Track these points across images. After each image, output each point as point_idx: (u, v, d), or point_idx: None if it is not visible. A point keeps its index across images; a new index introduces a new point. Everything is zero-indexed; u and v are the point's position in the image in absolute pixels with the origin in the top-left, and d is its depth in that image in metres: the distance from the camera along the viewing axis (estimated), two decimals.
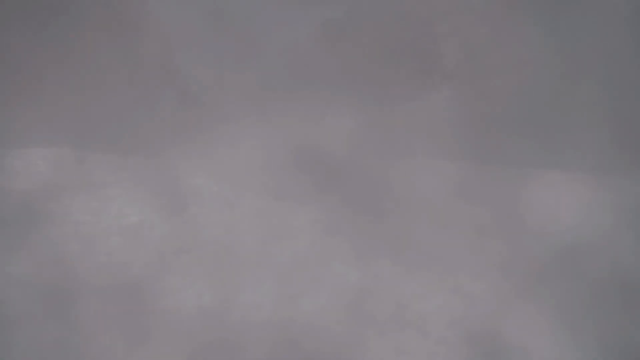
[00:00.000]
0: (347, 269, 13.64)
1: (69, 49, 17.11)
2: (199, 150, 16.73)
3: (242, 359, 12.21)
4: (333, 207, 15.10)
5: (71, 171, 15.87)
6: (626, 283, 13.59)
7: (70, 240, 13.92)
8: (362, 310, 12.89)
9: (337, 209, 15.04)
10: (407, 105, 18.24)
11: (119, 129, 16.97)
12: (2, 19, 17.01)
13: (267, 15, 17.94)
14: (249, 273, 13.37)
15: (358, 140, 17.22)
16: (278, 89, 17.75)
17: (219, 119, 17.58)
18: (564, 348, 12.50)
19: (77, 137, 16.99)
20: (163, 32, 17.40)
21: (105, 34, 17.12)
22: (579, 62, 18.25)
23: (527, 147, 17.77)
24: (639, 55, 18.11)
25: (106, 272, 13.37)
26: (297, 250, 13.91)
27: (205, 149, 16.86)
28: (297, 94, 18.00)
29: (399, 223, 14.81)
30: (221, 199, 15.20)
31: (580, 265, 13.96)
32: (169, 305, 12.92)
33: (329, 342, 12.35)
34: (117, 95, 16.92)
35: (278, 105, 17.88)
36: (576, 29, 18.36)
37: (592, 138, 17.57)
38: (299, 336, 12.48)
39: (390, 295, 13.12)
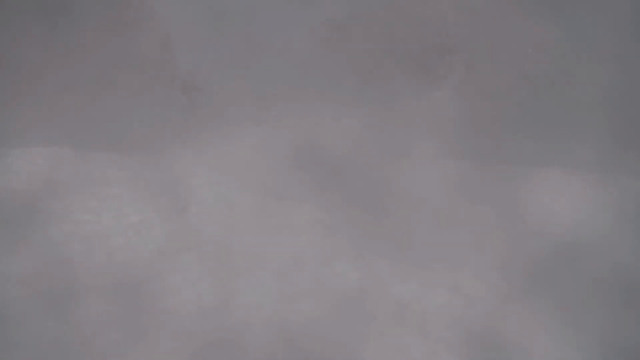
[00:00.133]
0: (347, 268, 13.64)
1: (69, 49, 17.11)
2: (199, 149, 16.73)
3: (243, 358, 12.21)
4: (333, 206, 15.09)
5: (71, 170, 15.87)
6: (627, 282, 13.60)
7: (70, 240, 13.92)
8: (362, 310, 12.89)
9: (338, 209, 15.04)
10: (408, 105, 18.22)
11: (119, 129, 16.96)
12: (3, 20, 17.01)
13: (267, 14, 17.94)
14: (249, 273, 13.36)
15: (358, 139, 17.21)
16: (278, 88, 17.74)
17: (220, 118, 17.56)
18: (565, 347, 12.50)
19: (78, 137, 16.98)
20: (163, 31, 17.40)
21: (105, 34, 17.11)
22: (580, 60, 18.24)
23: (528, 145, 17.75)
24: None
25: (106, 271, 13.38)
26: (298, 249, 13.91)
27: (206, 148, 16.85)
28: (298, 93, 17.98)
29: (399, 222, 14.81)
30: (221, 198, 15.20)
31: (581, 264, 13.96)
32: (169, 305, 12.93)
33: (329, 342, 12.35)
34: (118, 95, 16.91)
35: (278, 104, 17.87)
36: (577, 28, 18.36)
37: (593, 136, 17.56)
38: (299, 336, 12.49)
39: (390, 295, 13.12)
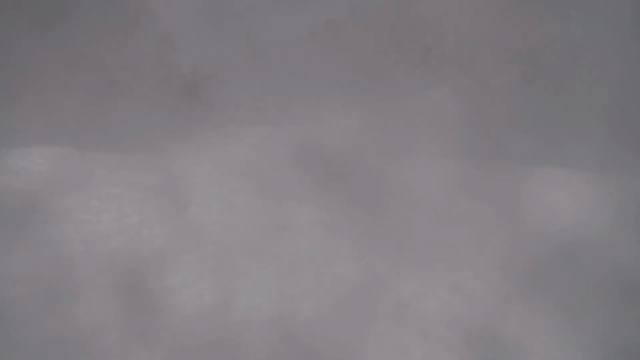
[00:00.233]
0: (348, 268, 13.63)
1: (70, 50, 17.10)
2: (199, 149, 16.72)
3: (243, 358, 12.20)
4: (334, 206, 15.08)
5: (72, 170, 15.85)
6: (627, 282, 13.58)
7: (71, 240, 13.91)
8: (362, 310, 12.88)
9: (338, 209, 15.03)
10: (408, 104, 18.22)
11: (119, 129, 16.97)
12: (3, 21, 17.00)
13: (267, 14, 17.92)
14: (250, 273, 13.36)
15: (359, 139, 17.20)
16: (279, 88, 17.73)
17: (220, 118, 17.55)
18: (565, 347, 12.49)
19: (78, 137, 16.98)
20: (164, 32, 17.38)
21: (106, 35, 17.09)
22: (580, 60, 18.23)
23: (529, 145, 17.74)
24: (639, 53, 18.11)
25: (107, 271, 13.37)
26: (298, 250, 13.90)
27: (206, 148, 16.84)
28: (298, 92, 17.98)
29: (400, 222, 14.80)
30: (222, 198, 15.18)
31: (581, 264, 13.94)
32: (170, 304, 12.92)
33: (329, 342, 12.34)
34: (118, 96, 16.91)
35: (279, 104, 17.86)
36: (577, 28, 18.34)
37: (593, 136, 17.55)
38: (299, 336, 12.47)
39: (390, 295, 13.11)
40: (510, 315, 12.94)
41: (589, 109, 17.79)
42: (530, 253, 14.09)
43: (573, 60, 18.14)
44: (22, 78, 16.95)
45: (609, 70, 17.96)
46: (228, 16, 17.80)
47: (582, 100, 17.90)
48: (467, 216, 15.12)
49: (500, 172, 16.91)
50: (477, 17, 18.34)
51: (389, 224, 14.69)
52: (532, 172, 17.17)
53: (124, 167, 16.04)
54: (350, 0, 18.43)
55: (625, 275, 13.59)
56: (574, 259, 14.07)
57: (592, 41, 18.10)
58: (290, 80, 17.84)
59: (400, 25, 18.27)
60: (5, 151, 16.18)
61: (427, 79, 18.10)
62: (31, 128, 16.81)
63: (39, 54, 16.99)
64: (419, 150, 17.17)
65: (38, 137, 16.83)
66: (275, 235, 14.33)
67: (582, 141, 17.44)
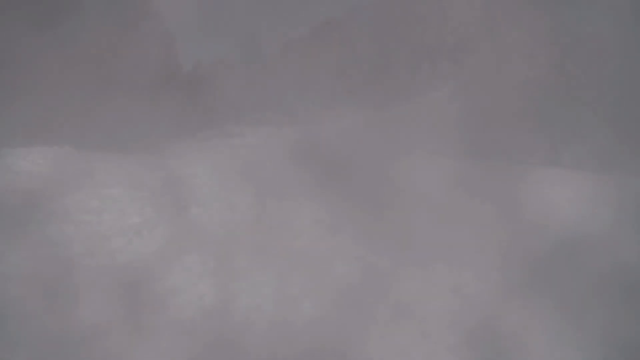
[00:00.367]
0: (348, 269, 13.65)
1: (71, 51, 17.10)
2: (200, 149, 16.74)
3: (244, 359, 12.22)
4: (334, 206, 15.09)
5: (73, 171, 15.86)
6: (629, 282, 13.59)
7: (71, 241, 13.91)
8: (363, 311, 12.90)
9: (338, 209, 15.04)
10: (408, 103, 18.23)
11: (120, 129, 16.98)
12: (4, 22, 17.00)
13: (268, 15, 17.92)
14: (250, 274, 13.37)
15: (359, 139, 17.21)
16: (279, 88, 17.73)
17: (221, 118, 17.58)
18: (565, 348, 12.50)
19: (79, 137, 17.00)
20: (165, 32, 17.37)
21: (107, 35, 17.09)
22: (580, 60, 18.23)
23: (529, 144, 17.76)
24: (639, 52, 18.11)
25: (108, 272, 13.37)
26: (299, 251, 13.92)
27: (207, 147, 16.86)
28: (298, 93, 17.98)
29: (400, 222, 14.81)
30: (222, 199, 15.20)
31: (583, 264, 13.95)
32: (171, 305, 12.93)
33: (330, 343, 12.36)
34: (119, 96, 16.91)
35: (279, 104, 17.86)
36: (578, 27, 18.34)
37: (594, 134, 17.56)
38: (299, 336, 12.49)
39: (391, 296, 13.12)
40: (511, 315, 12.95)
41: (590, 109, 17.80)
42: (531, 254, 14.10)
43: (573, 59, 18.14)
44: (23, 78, 16.95)
45: (610, 69, 17.97)
46: (229, 16, 17.80)
47: (583, 99, 17.91)
48: (468, 216, 15.13)
49: (500, 171, 16.92)
50: (477, 17, 18.34)
51: (389, 224, 14.70)
52: (533, 171, 17.19)
53: (125, 167, 16.05)
54: (352, 1, 18.45)
55: (627, 276, 13.60)
56: (576, 259, 14.08)
57: (593, 41, 18.10)
58: (291, 80, 17.85)
59: (401, 26, 18.27)
60: (6, 151, 16.19)
61: (427, 80, 18.11)
62: (31, 128, 16.82)
63: (40, 53, 16.98)
64: (420, 150, 17.18)
65: (38, 137, 16.83)
66: (275, 236, 14.34)
67: (583, 140, 17.45)
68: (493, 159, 17.42)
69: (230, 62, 17.84)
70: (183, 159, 16.45)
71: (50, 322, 12.61)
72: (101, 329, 12.55)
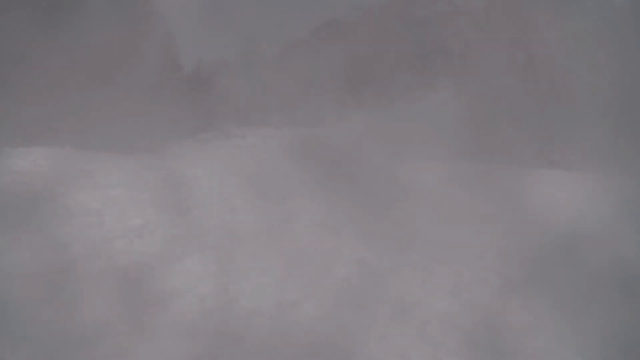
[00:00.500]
0: (349, 271, 13.67)
1: (72, 49, 17.10)
2: (201, 150, 16.74)
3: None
4: (335, 208, 15.11)
5: (73, 171, 15.87)
6: (628, 279, 13.62)
7: (72, 243, 13.93)
8: (363, 314, 12.93)
9: (339, 211, 15.06)
10: (409, 104, 18.24)
11: (121, 129, 16.98)
12: (5, 22, 17.00)
13: (269, 15, 17.92)
14: (251, 276, 13.40)
15: (360, 139, 17.23)
16: (280, 88, 17.74)
17: (221, 119, 17.59)
18: (568, 352, 12.53)
19: (80, 137, 16.99)
20: (166, 31, 17.38)
21: (108, 33, 17.09)
22: (580, 59, 18.25)
23: (529, 144, 17.79)
24: (639, 51, 18.13)
25: (109, 274, 13.40)
26: (299, 253, 13.94)
27: (208, 149, 16.87)
28: (299, 93, 17.99)
29: (401, 224, 14.83)
30: (223, 200, 15.22)
31: (582, 264, 13.98)
32: (172, 307, 12.95)
33: (330, 346, 12.39)
34: (121, 96, 16.91)
35: (280, 104, 17.88)
36: (577, 28, 18.36)
37: (594, 134, 17.59)
38: (300, 337, 12.52)
39: (391, 298, 13.15)
40: (513, 319, 12.98)
41: (590, 108, 17.82)
42: (533, 257, 14.13)
43: (573, 60, 18.16)
44: (23, 78, 16.96)
45: (610, 69, 18.00)
46: (230, 17, 17.80)
47: (583, 99, 17.93)
48: (468, 218, 15.16)
49: (500, 172, 16.94)
50: (477, 18, 18.35)
51: (390, 226, 14.73)
52: (534, 172, 17.22)
53: (126, 168, 16.06)
54: (351, 0, 18.43)
55: (627, 278, 13.63)
56: (576, 259, 14.11)
57: (592, 41, 18.12)
58: (291, 81, 17.86)
59: (400, 27, 18.28)
60: (6, 151, 16.19)
61: (428, 80, 18.12)
62: (32, 128, 16.83)
63: (40, 53, 16.99)
64: (420, 150, 17.19)
65: (39, 137, 16.84)
66: (276, 237, 14.36)
67: (583, 139, 17.48)
68: (493, 159, 17.44)
69: (231, 63, 17.84)
70: (184, 160, 16.46)
71: (51, 323, 12.64)
72: (102, 330, 12.58)
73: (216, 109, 17.77)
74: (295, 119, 18.19)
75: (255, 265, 13.58)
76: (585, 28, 18.31)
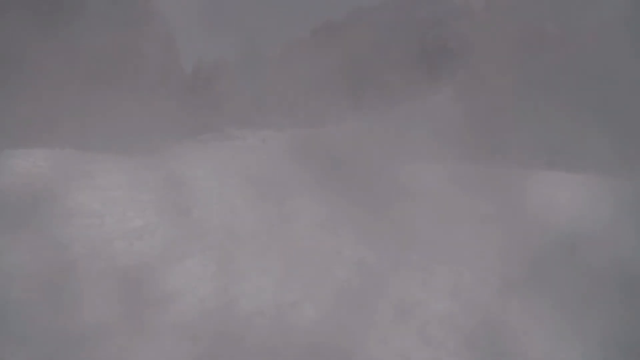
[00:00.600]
0: (349, 271, 13.65)
1: (72, 52, 17.11)
2: (201, 151, 16.75)
3: None
4: (335, 209, 15.11)
5: (74, 172, 15.87)
6: (627, 279, 13.59)
7: (74, 243, 13.91)
8: (363, 314, 12.91)
9: (340, 211, 15.05)
10: (409, 105, 18.24)
11: (121, 130, 16.98)
12: (5, 22, 17.00)
13: (269, 16, 17.91)
14: (252, 278, 13.38)
15: (360, 140, 17.23)
16: (280, 89, 17.73)
17: (222, 121, 17.59)
18: (567, 352, 12.51)
19: (80, 138, 17.00)
20: (166, 33, 17.36)
21: (109, 35, 17.08)
22: (581, 59, 18.24)
23: (530, 145, 17.78)
24: (639, 54, 18.12)
25: (109, 275, 13.38)
26: (299, 254, 13.93)
27: (208, 150, 16.88)
28: (299, 94, 17.98)
29: (401, 224, 14.81)
30: (224, 201, 15.22)
31: (582, 264, 13.96)
32: (172, 309, 12.93)
33: (331, 347, 12.38)
34: (121, 96, 16.91)
35: (280, 105, 17.87)
36: (578, 28, 18.34)
37: (594, 134, 17.58)
38: (300, 337, 12.50)
39: (392, 300, 13.13)
40: (513, 319, 12.96)
41: (590, 108, 17.81)
42: (533, 257, 14.11)
43: (574, 59, 18.15)
44: (24, 79, 16.95)
45: (609, 69, 17.99)
46: (230, 18, 17.80)
47: (583, 99, 17.92)
48: (468, 217, 15.15)
49: (501, 172, 16.94)
50: (477, 19, 18.35)
51: (390, 227, 14.71)
52: (533, 172, 17.21)
53: (126, 169, 16.07)
54: (351, 1, 18.44)
55: (627, 278, 13.61)
56: (576, 259, 14.09)
57: (594, 43, 18.11)
58: (292, 81, 17.85)
59: (401, 27, 18.28)
60: (7, 152, 16.19)
61: (428, 80, 18.12)
62: (33, 129, 16.82)
63: (41, 54, 16.98)
64: (420, 151, 17.19)
65: (40, 138, 16.83)
66: (276, 237, 14.35)
67: (582, 140, 17.47)
68: (493, 160, 17.44)
69: (231, 63, 17.84)
70: (184, 160, 16.46)
71: (52, 324, 12.62)
72: (102, 330, 12.56)
73: (217, 111, 17.76)
74: (295, 120, 18.19)
75: (255, 266, 13.56)
76: (586, 29, 18.31)
